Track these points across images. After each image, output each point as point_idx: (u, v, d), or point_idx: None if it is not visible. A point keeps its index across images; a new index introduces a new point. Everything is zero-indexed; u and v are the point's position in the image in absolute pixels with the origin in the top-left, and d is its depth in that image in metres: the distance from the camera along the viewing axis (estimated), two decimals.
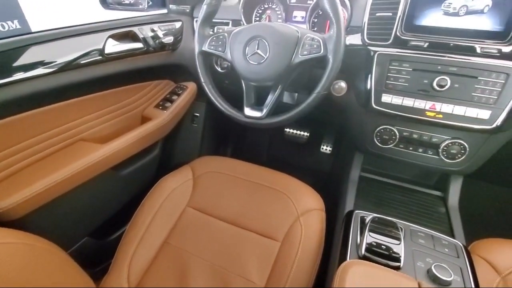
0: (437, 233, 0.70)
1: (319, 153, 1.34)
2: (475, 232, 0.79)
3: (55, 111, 0.78)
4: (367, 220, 0.69)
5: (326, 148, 1.33)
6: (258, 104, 0.79)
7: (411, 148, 0.82)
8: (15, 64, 0.65)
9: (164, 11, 1.02)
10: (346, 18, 0.82)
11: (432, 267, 0.58)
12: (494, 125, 0.68)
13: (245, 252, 0.75)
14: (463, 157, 0.76)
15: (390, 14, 0.72)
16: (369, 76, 0.76)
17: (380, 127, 0.81)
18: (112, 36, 0.80)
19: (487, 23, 0.66)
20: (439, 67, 0.69)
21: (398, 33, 0.72)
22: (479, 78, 0.67)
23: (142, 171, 1.03)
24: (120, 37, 0.83)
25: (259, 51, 0.71)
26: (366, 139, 0.86)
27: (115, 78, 0.87)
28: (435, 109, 0.72)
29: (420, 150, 0.81)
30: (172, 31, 0.96)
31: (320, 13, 0.90)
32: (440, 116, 0.72)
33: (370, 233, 0.64)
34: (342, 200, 0.90)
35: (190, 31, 1.02)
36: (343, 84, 0.84)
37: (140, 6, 0.94)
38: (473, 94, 0.68)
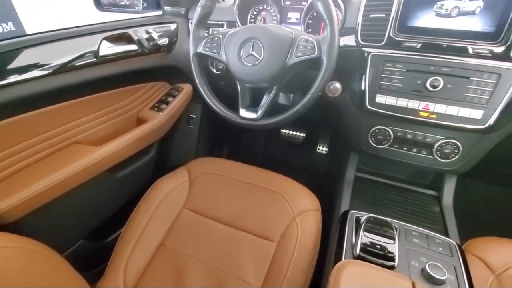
0: (432, 232, 0.70)
1: (315, 154, 1.35)
2: (470, 231, 0.79)
3: (50, 114, 0.77)
4: (362, 220, 0.69)
5: (322, 149, 1.34)
6: (253, 105, 0.79)
7: (405, 148, 0.82)
8: (9, 67, 0.65)
9: (159, 12, 1.02)
10: (340, 20, 0.82)
11: (426, 266, 0.58)
12: (486, 125, 0.69)
13: (242, 253, 0.75)
14: (456, 157, 0.77)
15: (384, 15, 0.72)
16: (363, 77, 0.77)
17: (375, 128, 0.82)
18: (106, 38, 0.80)
19: (478, 24, 0.67)
20: (432, 68, 0.70)
21: (391, 34, 0.73)
22: (471, 78, 0.68)
23: (138, 173, 1.03)
24: (114, 39, 0.83)
25: (253, 53, 0.71)
26: (361, 139, 0.86)
27: (110, 80, 0.86)
28: (428, 109, 0.72)
29: (414, 150, 0.82)
30: (167, 33, 0.96)
31: (315, 14, 0.91)
32: (434, 116, 0.72)
33: (365, 233, 0.65)
34: (338, 200, 0.91)
35: (185, 32, 1.02)
36: (337, 85, 0.85)
37: (135, 8, 0.94)
38: (465, 94, 0.69)
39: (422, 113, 0.73)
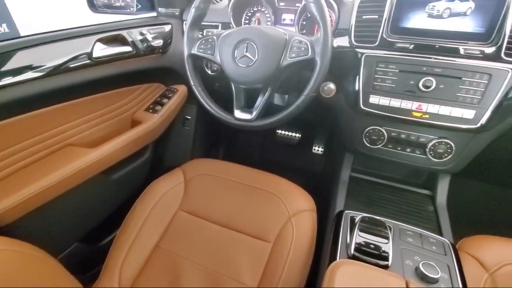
0: (425, 232, 0.71)
1: (311, 154, 1.35)
2: (464, 230, 0.80)
3: (44, 116, 0.77)
4: (356, 220, 0.70)
5: (317, 149, 1.34)
6: (248, 106, 0.79)
7: (399, 148, 0.83)
8: (3, 69, 0.64)
9: (154, 14, 1.02)
10: (334, 21, 0.83)
11: (420, 265, 0.58)
12: (478, 125, 0.70)
13: (237, 254, 0.75)
14: (449, 156, 0.78)
15: (376, 16, 0.73)
16: (357, 77, 0.77)
17: (369, 128, 0.83)
18: (100, 40, 0.80)
19: (470, 25, 0.67)
20: (424, 68, 0.71)
21: (384, 35, 0.73)
22: (463, 78, 0.68)
23: (133, 175, 1.03)
24: (108, 41, 0.83)
25: (248, 54, 0.71)
26: (356, 139, 0.87)
27: (104, 82, 0.86)
28: (421, 109, 0.73)
29: (408, 149, 0.82)
30: (161, 34, 0.96)
31: (309, 16, 0.91)
32: (427, 116, 0.73)
33: (360, 233, 0.65)
34: (333, 200, 0.91)
35: (180, 34, 1.01)
36: (332, 85, 0.85)
37: (129, 10, 0.93)
38: (458, 94, 0.69)
39: (415, 113, 0.74)
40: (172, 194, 0.88)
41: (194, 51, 0.78)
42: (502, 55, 0.65)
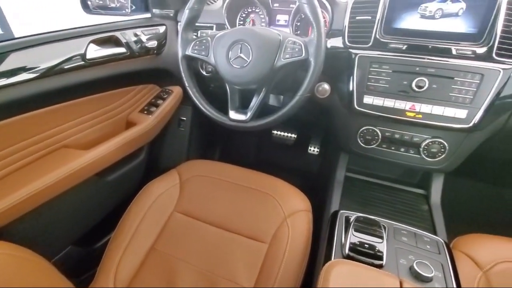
0: (420, 231, 0.71)
1: (307, 155, 1.35)
2: (458, 229, 0.81)
3: (37, 118, 0.76)
4: (351, 220, 0.70)
5: (313, 149, 1.35)
6: (243, 107, 0.79)
7: (393, 148, 0.83)
8: None
9: (148, 15, 1.02)
10: (328, 21, 0.83)
11: (414, 264, 0.59)
12: (471, 124, 0.70)
13: (233, 255, 0.75)
14: (443, 156, 0.79)
15: (369, 17, 0.73)
16: (351, 78, 0.78)
17: (363, 128, 0.83)
18: (93, 41, 0.80)
19: (461, 25, 0.68)
20: (417, 69, 0.71)
21: (377, 36, 0.74)
22: (455, 78, 0.69)
23: (128, 177, 1.02)
24: (102, 42, 0.82)
25: (242, 55, 0.71)
26: (350, 139, 0.87)
27: (98, 83, 0.86)
28: (414, 109, 0.74)
29: (402, 149, 0.83)
30: (156, 36, 0.96)
31: (303, 16, 0.92)
32: (420, 116, 0.74)
33: (354, 232, 0.65)
34: (328, 200, 0.92)
35: (174, 35, 1.01)
36: (326, 86, 0.86)
37: (123, 11, 0.93)
38: (450, 94, 0.70)
39: (408, 113, 0.74)
40: (167, 195, 0.87)
41: (189, 52, 0.78)
42: (494, 55, 0.66)
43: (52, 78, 0.73)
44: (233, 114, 0.77)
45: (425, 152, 0.79)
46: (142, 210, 0.83)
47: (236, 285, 0.70)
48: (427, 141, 0.78)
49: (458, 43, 0.69)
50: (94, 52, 0.80)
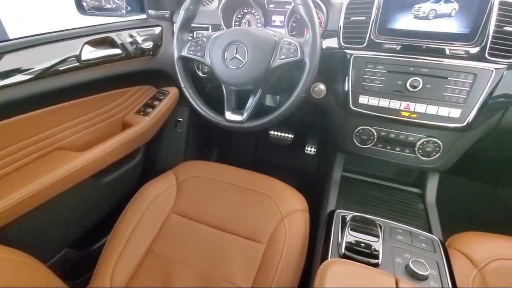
0: (415, 229, 0.72)
1: (304, 155, 1.36)
2: (453, 227, 0.81)
3: (32, 119, 0.76)
4: (347, 219, 0.70)
5: (310, 150, 1.35)
6: (239, 108, 0.79)
7: (388, 147, 0.84)
8: None
9: (143, 16, 1.01)
10: (323, 22, 0.84)
11: (410, 263, 0.59)
12: (465, 123, 0.71)
13: (231, 256, 0.75)
14: (437, 155, 0.79)
15: (364, 18, 0.74)
16: (347, 78, 0.78)
17: (359, 128, 0.84)
18: (88, 43, 0.79)
19: (454, 26, 0.69)
20: (411, 69, 0.72)
21: (372, 36, 0.74)
22: (449, 78, 0.70)
23: (124, 178, 1.02)
24: (97, 44, 0.82)
25: (237, 56, 0.71)
26: (346, 139, 0.88)
27: (94, 85, 0.85)
28: (409, 109, 0.74)
29: (398, 149, 0.83)
30: (151, 37, 0.96)
31: (298, 17, 0.92)
32: (414, 115, 0.74)
33: (350, 232, 0.66)
34: (325, 200, 0.92)
35: (170, 36, 1.01)
36: (322, 86, 0.86)
37: (119, 12, 0.93)
38: (444, 94, 0.71)
39: (403, 113, 0.75)
40: (164, 196, 0.87)
41: (184, 53, 0.78)
42: (486, 55, 0.67)
43: (47, 79, 0.73)
44: (229, 115, 0.77)
45: (420, 151, 0.80)
46: (138, 211, 0.83)
47: (233, 285, 0.70)
48: (422, 141, 0.79)
49: (452, 43, 0.69)
50: (89, 53, 0.80)
